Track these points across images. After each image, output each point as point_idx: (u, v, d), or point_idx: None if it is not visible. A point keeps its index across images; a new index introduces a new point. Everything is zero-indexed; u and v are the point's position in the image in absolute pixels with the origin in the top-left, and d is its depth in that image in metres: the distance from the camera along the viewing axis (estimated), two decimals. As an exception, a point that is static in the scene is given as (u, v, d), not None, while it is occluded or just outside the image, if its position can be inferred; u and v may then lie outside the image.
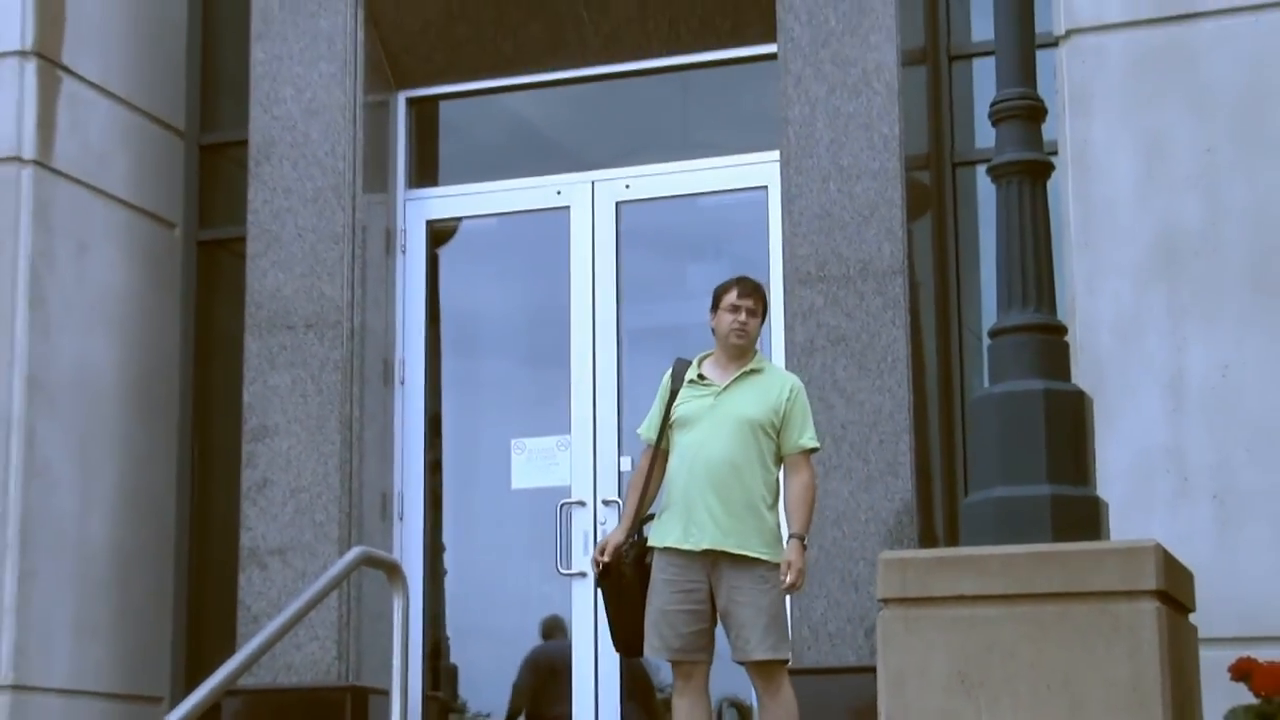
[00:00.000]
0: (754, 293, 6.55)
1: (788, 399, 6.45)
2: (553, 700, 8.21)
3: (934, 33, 8.16)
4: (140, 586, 8.62)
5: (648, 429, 6.65)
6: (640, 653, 6.54)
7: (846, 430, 7.49)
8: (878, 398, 7.50)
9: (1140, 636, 4.41)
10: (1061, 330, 5.03)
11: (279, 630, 5.98)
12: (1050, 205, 5.10)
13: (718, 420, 6.41)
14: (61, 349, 8.25)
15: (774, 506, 6.43)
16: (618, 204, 8.44)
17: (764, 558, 6.31)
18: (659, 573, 6.42)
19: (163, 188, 9.03)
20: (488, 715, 8.61)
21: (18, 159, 8.17)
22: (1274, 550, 6.34)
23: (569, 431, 8.27)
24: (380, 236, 8.61)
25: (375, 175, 8.62)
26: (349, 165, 8.43)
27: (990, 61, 5.35)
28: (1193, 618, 5.00)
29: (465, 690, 8.63)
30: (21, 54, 8.25)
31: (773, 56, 8.00)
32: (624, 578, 6.50)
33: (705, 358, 6.62)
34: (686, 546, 6.35)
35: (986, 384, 5.10)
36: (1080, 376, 6.06)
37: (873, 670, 4.77)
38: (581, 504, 8.15)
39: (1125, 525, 5.55)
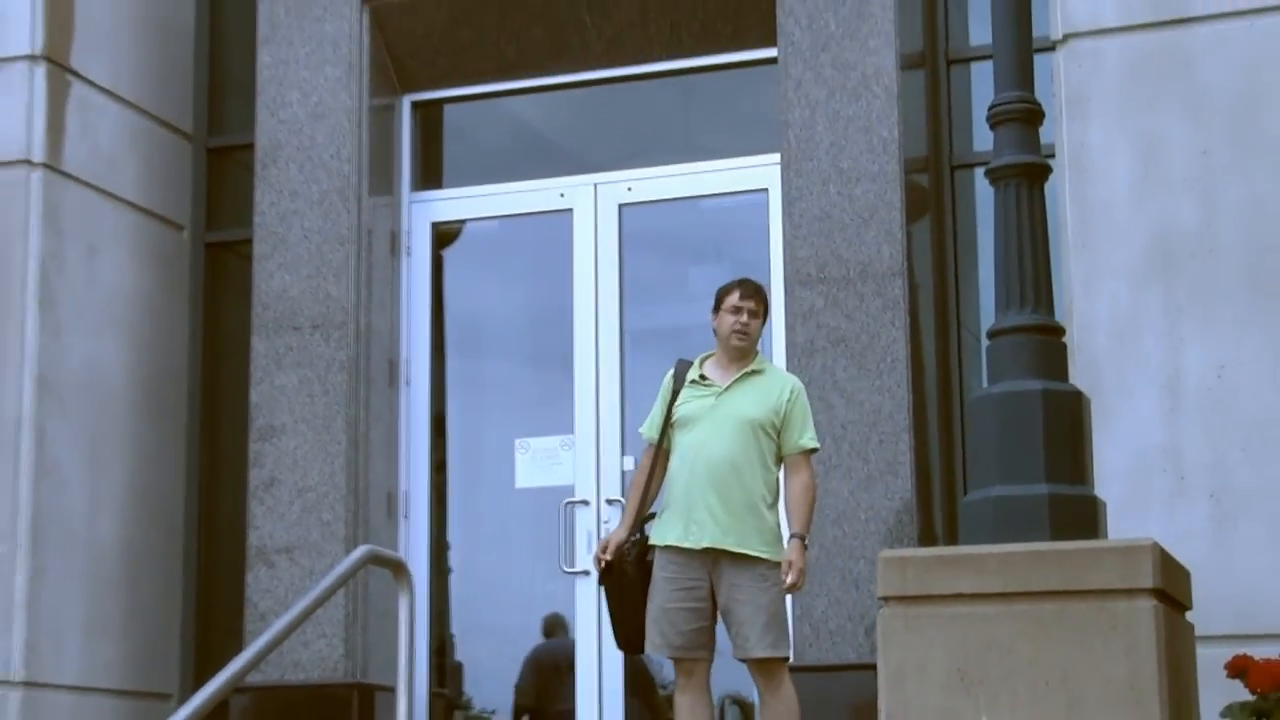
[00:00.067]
0: (755, 294, 6.55)
1: (788, 400, 6.45)
2: (556, 697, 8.21)
3: (932, 37, 8.15)
4: (149, 584, 8.62)
5: (649, 428, 6.65)
6: (642, 650, 6.54)
7: (846, 430, 7.48)
8: (877, 398, 7.50)
9: (1137, 634, 4.40)
10: (1059, 331, 5.02)
11: (286, 628, 5.98)
12: (1048, 207, 5.09)
13: (719, 420, 6.41)
14: (71, 350, 8.25)
15: (774, 506, 6.42)
16: (620, 206, 8.44)
17: (764, 556, 6.31)
18: (660, 571, 6.41)
19: (171, 191, 9.03)
20: (492, 712, 8.61)
21: (28, 162, 8.17)
22: (1270, 549, 6.34)
23: (572, 431, 8.27)
24: (385, 239, 8.61)
25: (380, 178, 8.62)
26: (354, 168, 8.43)
27: (988, 65, 5.35)
28: (1189, 616, 4.99)
29: (470, 687, 8.63)
30: (31, 58, 8.25)
31: (773, 60, 7.99)
32: (626, 576, 6.50)
33: (707, 358, 6.61)
34: (687, 545, 6.35)
35: (985, 384, 5.09)
36: (1078, 377, 6.05)
37: (873, 667, 4.76)
38: (585, 503, 8.15)
39: (1122, 524, 5.54)
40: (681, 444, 6.47)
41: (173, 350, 8.93)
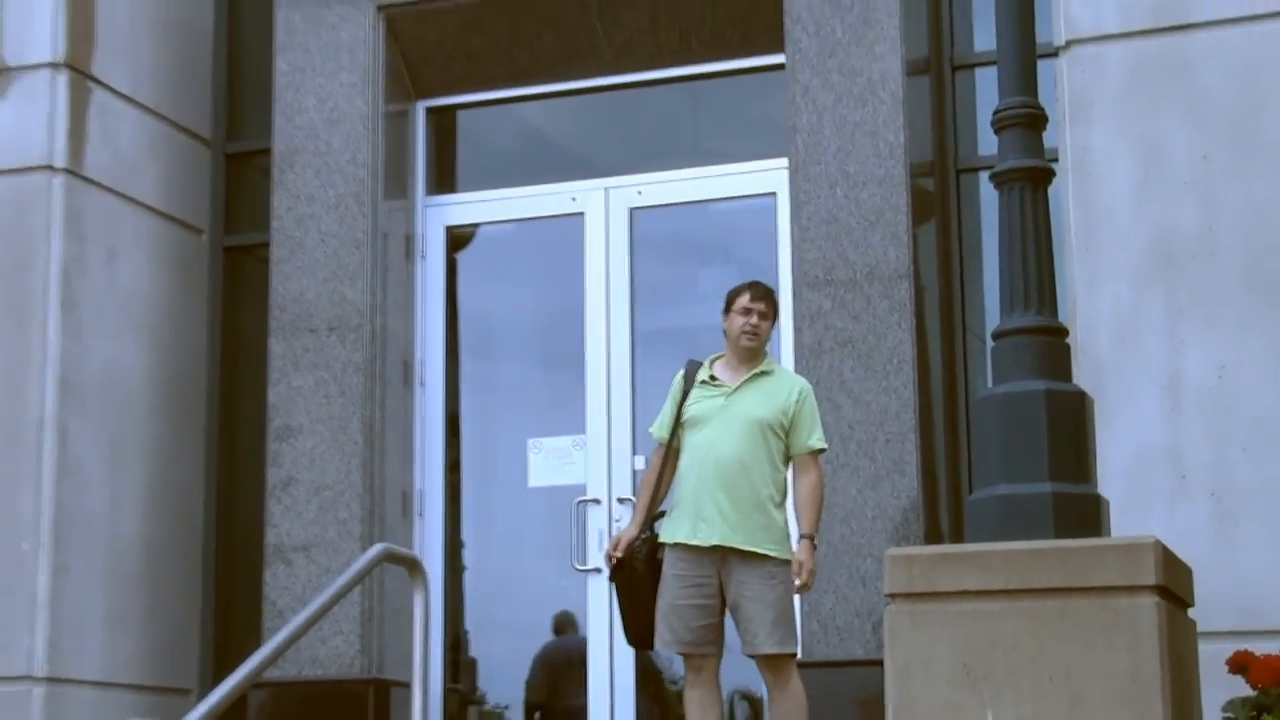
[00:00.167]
0: (765, 297, 6.55)
1: (796, 400, 6.45)
2: (567, 694, 8.21)
3: (938, 43, 8.15)
4: (169, 582, 8.63)
5: (660, 428, 6.65)
6: (651, 646, 6.54)
7: (854, 430, 7.48)
8: (884, 398, 7.49)
9: (1140, 630, 4.40)
10: (1062, 332, 5.02)
11: (304, 625, 5.98)
12: (1051, 210, 5.09)
13: (728, 420, 6.41)
14: (93, 351, 8.27)
15: (782, 505, 6.43)
16: (631, 210, 8.44)
17: (772, 554, 6.31)
18: (670, 568, 6.42)
19: (190, 195, 9.05)
20: (506, 707, 8.61)
21: (50, 168, 8.19)
22: (1270, 547, 6.33)
23: (584, 431, 8.27)
24: (400, 242, 8.61)
25: (395, 182, 8.62)
26: (370, 173, 8.44)
27: (992, 71, 5.34)
28: (1191, 612, 4.99)
29: (484, 682, 8.63)
30: (54, 66, 8.27)
31: (781, 67, 7.99)
32: (636, 573, 6.50)
33: (717, 359, 6.62)
34: (696, 542, 6.35)
35: (990, 385, 5.09)
36: (1081, 377, 6.05)
37: (880, 663, 4.77)
38: (596, 502, 8.15)
39: (1125, 522, 5.54)
40: (691, 443, 6.47)
41: (192, 352, 8.95)
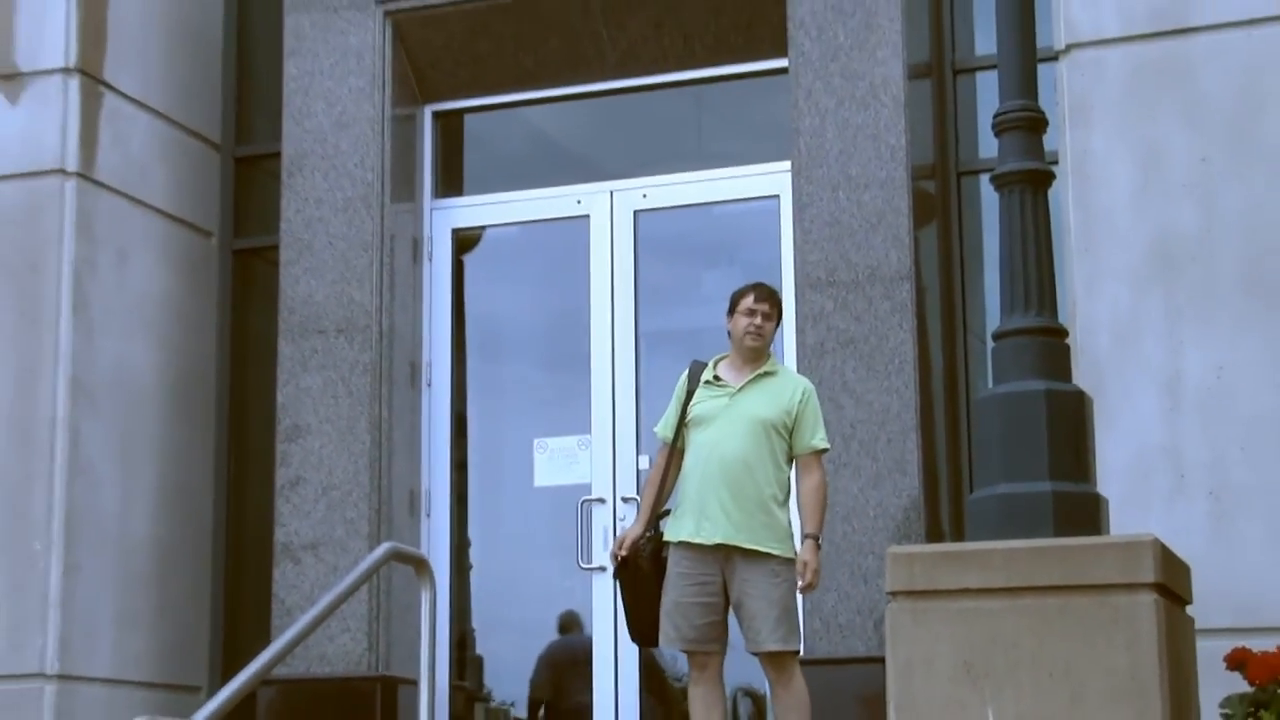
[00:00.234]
0: (769, 298, 6.56)
1: (800, 400, 6.45)
2: (571, 692, 8.21)
3: (939, 47, 8.15)
4: (179, 580, 8.64)
5: (664, 428, 6.66)
6: (656, 643, 6.55)
7: (856, 429, 7.48)
8: (885, 398, 7.49)
9: (1139, 628, 4.40)
10: (1062, 333, 5.02)
11: (312, 622, 5.99)
12: (1051, 212, 5.08)
13: (732, 420, 6.41)
14: (103, 352, 8.27)
15: (785, 504, 6.43)
16: (635, 213, 8.44)
17: (776, 553, 6.31)
18: (674, 566, 6.42)
19: (200, 198, 9.06)
20: (511, 704, 8.61)
21: (62, 171, 8.21)
22: (1267, 544, 6.33)
23: (589, 431, 8.27)
24: (408, 244, 8.62)
25: (403, 185, 8.63)
26: (377, 176, 8.44)
27: (993, 75, 5.34)
28: (1189, 610, 4.99)
29: (490, 680, 8.63)
30: (66, 71, 8.29)
31: (784, 71, 7.99)
32: (641, 571, 6.50)
33: (721, 360, 6.62)
34: (700, 541, 6.36)
35: (990, 385, 5.09)
36: (1080, 377, 6.04)
37: (882, 660, 4.76)
38: (601, 501, 8.15)
39: (1124, 521, 5.53)
40: (696, 443, 6.48)
41: (201, 353, 8.96)
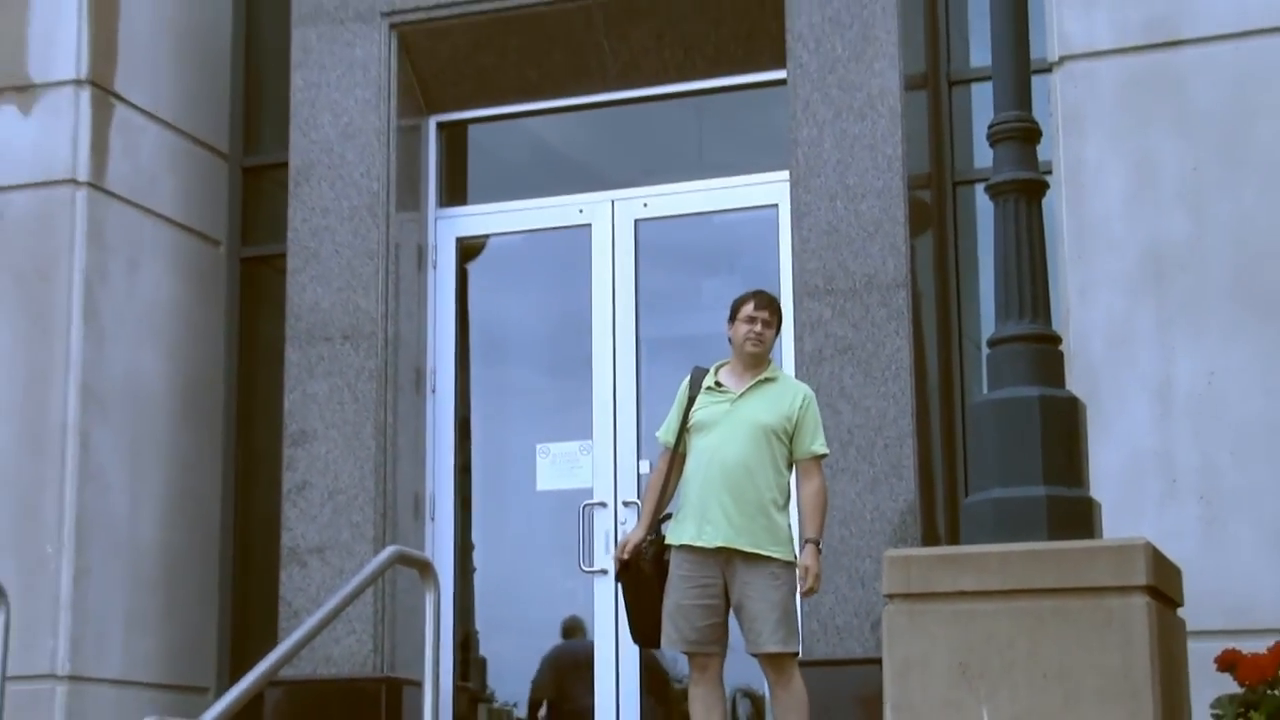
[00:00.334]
0: (769, 305, 6.57)
1: (800, 406, 6.46)
2: (573, 694, 8.21)
3: (935, 59, 8.16)
4: (187, 583, 8.65)
5: (666, 433, 6.66)
6: (657, 645, 6.55)
7: (853, 435, 7.48)
8: (882, 404, 7.50)
9: (1131, 629, 4.40)
10: (1056, 340, 5.02)
11: (318, 625, 5.98)
12: (1045, 221, 5.09)
13: (733, 425, 6.42)
14: (113, 359, 8.29)
15: (785, 507, 6.43)
16: (636, 222, 8.45)
17: (776, 556, 6.32)
18: (675, 569, 6.42)
19: (208, 208, 9.07)
20: (514, 704, 8.61)
21: (73, 181, 8.23)
22: (1257, 547, 6.34)
23: (591, 436, 8.28)
24: (413, 252, 8.63)
25: (408, 195, 8.64)
26: (383, 186, 8.45)
27: (988, 86, 5.35)
28: (1181, 612, 4.99)
29: (493, 681, 8.64)
30: (77, 83, 8.31)
31: (782, 82, 8.00)
32: (643, 574, 6.50)
33: (722, 366, 6.63)
34: (701, 544, 6.36)
35: (985, 390, 5.10)
36: (1074, 383, 6.06)
37: (879, 662, 4.77)
38: (603, 505, 8.16)
39: (1117, 524, 5.54)
40: (697, 448, 6.48)
41: (209, 360, 8.97)
